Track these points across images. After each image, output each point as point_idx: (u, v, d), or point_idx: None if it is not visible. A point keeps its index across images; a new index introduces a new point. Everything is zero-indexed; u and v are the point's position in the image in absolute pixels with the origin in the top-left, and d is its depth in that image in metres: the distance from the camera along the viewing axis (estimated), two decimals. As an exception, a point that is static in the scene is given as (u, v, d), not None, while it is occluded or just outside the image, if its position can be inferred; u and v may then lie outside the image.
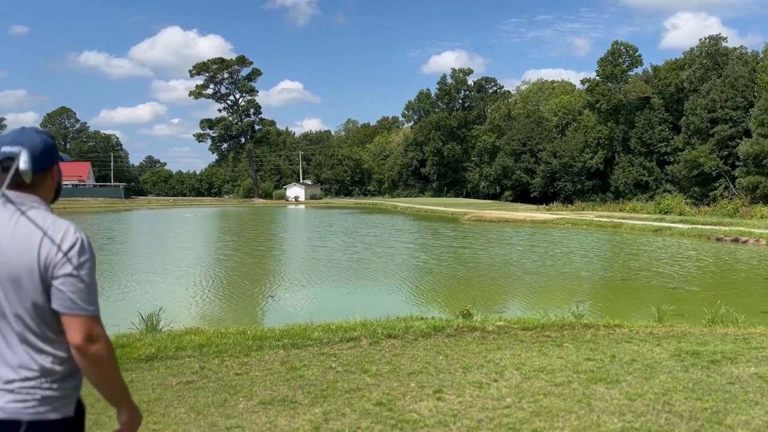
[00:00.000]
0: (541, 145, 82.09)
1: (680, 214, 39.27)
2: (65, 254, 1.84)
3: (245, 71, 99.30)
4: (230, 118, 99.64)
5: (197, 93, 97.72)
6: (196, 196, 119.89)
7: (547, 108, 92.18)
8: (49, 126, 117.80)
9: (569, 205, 59.19)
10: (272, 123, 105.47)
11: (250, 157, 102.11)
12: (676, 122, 71.68)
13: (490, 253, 24.11)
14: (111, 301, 13.19)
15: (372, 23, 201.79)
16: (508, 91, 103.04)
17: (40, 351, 1.86)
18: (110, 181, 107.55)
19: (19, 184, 1.91)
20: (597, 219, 39.24)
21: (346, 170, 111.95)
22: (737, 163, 58.65)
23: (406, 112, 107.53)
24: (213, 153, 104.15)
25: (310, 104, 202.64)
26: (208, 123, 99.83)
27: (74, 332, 1.83)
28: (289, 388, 5.14)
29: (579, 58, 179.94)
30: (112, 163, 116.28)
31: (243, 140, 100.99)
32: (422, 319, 8.29)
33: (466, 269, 19.62)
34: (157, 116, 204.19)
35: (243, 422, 4.34)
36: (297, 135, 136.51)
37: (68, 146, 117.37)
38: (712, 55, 70.38)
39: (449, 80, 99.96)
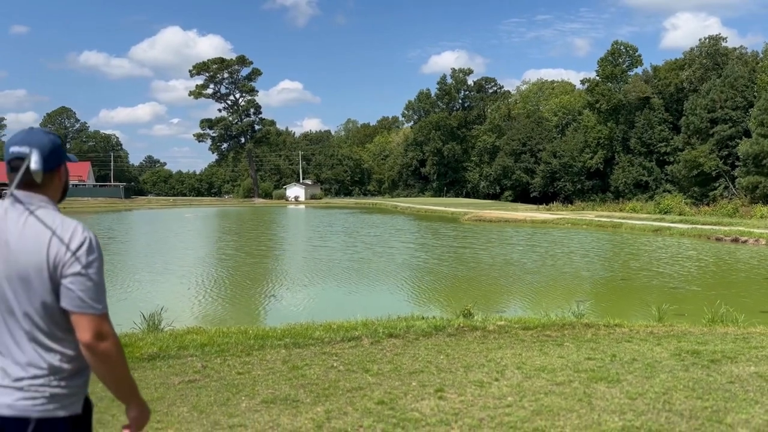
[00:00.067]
0: (541, 145, 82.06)
1: (680, 214, 39.29)
2: (74, 253, 1.86)
3: (245, 71, 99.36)
4: (230, 118, 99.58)
5: (197, 93, 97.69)
6: (196, 196, 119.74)
7: (547, 108, 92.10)
8: (49, 126, 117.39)
9: (569, 205, 59.19)
10: (272, 123, 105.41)
11: (250, 157, 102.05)
12: (675, 122, 71.66)
13: (491, 252, 24.13)
14: (113, 301, 13.12)
15: (372, 23, 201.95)
16: (508, 91, 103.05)
17: (49, 349, 1.88)
18: (110, 181, 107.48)
19: (27, 183, 1.93)
20: (597, 219, 39.24)
21: (346, 170, 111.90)
22: (737, 163, 58.65)
23: (406, 112, 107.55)
24: (213, 153, 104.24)
25: (310, 104, 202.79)
26: (208, 123, 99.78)
27: (83, 330, 1.86)
28: (291, 387, 5.16)
29: (579, 58, 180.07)
30: (112, 163, 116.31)
31: (243, 140, 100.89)
32: (423, 318, 8.32)
33: (466, 269, 19.63)
34: (157, 116, 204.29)
35: (245, 421, 4.36)
36: (297, 135, 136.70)
37: (68, 146, 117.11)
38: (711, 55, 70.36)
39: (449, 80, 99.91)
